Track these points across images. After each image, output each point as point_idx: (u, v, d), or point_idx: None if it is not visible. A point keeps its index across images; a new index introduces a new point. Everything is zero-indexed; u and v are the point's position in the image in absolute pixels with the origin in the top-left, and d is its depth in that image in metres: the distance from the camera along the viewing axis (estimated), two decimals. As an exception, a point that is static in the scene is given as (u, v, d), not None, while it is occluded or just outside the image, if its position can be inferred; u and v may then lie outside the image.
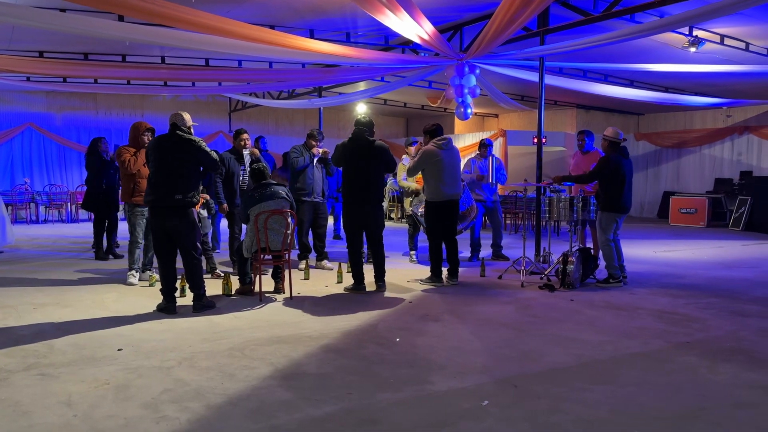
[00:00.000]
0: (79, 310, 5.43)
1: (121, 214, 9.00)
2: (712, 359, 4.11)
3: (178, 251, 5.44)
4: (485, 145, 8.69)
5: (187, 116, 5.49)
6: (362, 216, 6.32)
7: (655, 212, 17.38)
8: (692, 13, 6.37)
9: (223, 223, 7.96)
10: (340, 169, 6.57)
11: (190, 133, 5.46)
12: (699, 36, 8.88)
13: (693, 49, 8.96)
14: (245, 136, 7.33)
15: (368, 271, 6.60)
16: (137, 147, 6.65)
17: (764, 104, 14.59)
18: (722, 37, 9.22)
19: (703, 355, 4.22)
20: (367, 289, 6.35)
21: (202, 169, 5.52)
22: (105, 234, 8.71)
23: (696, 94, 13.80)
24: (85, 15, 7.10)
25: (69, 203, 14.96)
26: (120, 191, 9.18)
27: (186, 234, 5.36)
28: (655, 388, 3.55)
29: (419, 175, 7.37)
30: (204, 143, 5.45)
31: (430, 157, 6.61)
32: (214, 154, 5.50)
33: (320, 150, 7.64)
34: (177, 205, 5.27)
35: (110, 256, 8.56)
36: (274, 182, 6.13)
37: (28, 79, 11.75)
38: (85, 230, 11.83)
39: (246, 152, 7.21)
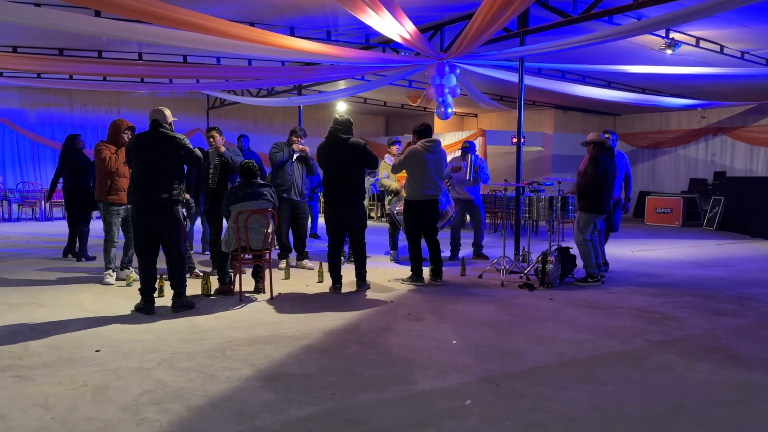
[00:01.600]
0: (55, 310, 5.34)
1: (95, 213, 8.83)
2: (690, 358, 4.18)
3: (162, 251, 5.40)
4: (465, 148, 8.70)
5: (167, 112, 5.44)
6: (339, 214, 6.31)
7: (630, 212, 17.60)
8: (669, 15, 6.47)
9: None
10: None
11: (172, 130, 5.41)
12: (675, 38, 9.00)
13: (669, 51, 9.09)
14: (212, 133, 6.97)
15: (350, 271, 6.59)
16: (117, 145, 6.52)
17: (737, 106, 14.86)
18: (698, 39, 9.36)
19: (681, 353, 4.28)
20: (347, 290, 6.34)
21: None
22: (78, 236, 8.33)
23: (672, 95, 14.00)
24: (60, 10, 6.97)
25: (43, 201, 14.67)
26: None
27: (173, 232, 5.32)
28: (634, 387, 3.60)
29: (401, 174, 7.38)
30: (187, 140, 5.41)
31: (415, 157, 6.62)
32: (197, 152, 5.48)
33: (300, 147, 7.59)
34: (164, 204, 5.25)
35: (83, 259, 8.18)
36: (262, 182, 6.06)
37: (0, 74, 11.52)
38: (59, 229, 11.62)
39: (211, 150, 7.01)
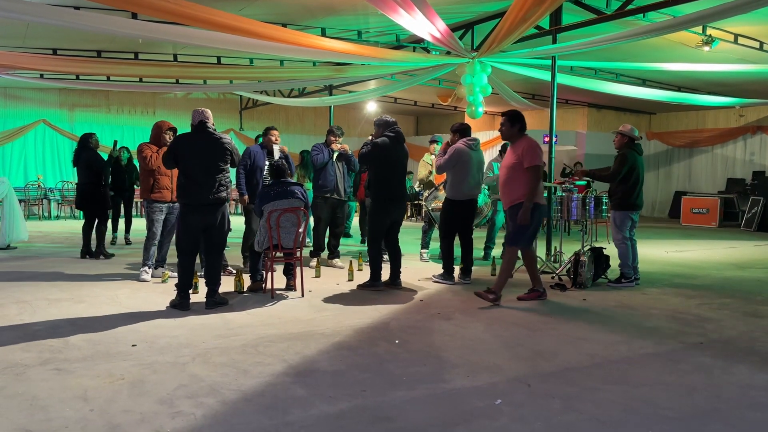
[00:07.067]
0: (92, 305, 5.48)
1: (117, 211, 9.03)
2: (726, 360, 4.09)
3: (207, 247, 5.55)
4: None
5: (209, 113, 5.59)
6: (396, 214, 6.38)
7: (666, 212, 17.28)
8: (706, 12, 6.32)
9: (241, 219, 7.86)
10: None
11: (215, 130, 5.58)
12: (712, 35, 8.81)
13: (706, 48, 8.90)
14: (276, 132, 7.20)
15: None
16: (158, 145, 6.70)
17: (778, 104, 14.47)
18: (736, 36, 9.15)
19: (717, 356, 4.20)
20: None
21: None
22: (96, 233, 8.32)
23: (709, 93, 13.69)
24: (98, 13, 7.14)
25: (81, 200, 15.03)
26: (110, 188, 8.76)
27: (223, 230, 5.56)
28: (668, 389, 3.54)
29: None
30: (231, 140, 5.60)
31: (460, 156, 6.63)
32: (238, 153, 5.69)
33: (339, 146, 7.64)
34: (215, 202, 5.42)
35: (101, 256, 8.17)
36: (292, 181, 6.14)
37: (41, 76, 11.84)
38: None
39: (276, 148, 7.13)
